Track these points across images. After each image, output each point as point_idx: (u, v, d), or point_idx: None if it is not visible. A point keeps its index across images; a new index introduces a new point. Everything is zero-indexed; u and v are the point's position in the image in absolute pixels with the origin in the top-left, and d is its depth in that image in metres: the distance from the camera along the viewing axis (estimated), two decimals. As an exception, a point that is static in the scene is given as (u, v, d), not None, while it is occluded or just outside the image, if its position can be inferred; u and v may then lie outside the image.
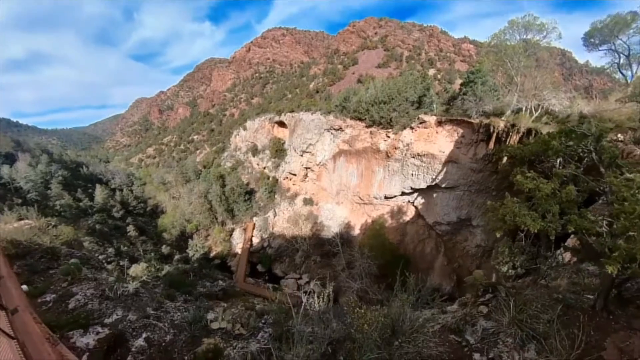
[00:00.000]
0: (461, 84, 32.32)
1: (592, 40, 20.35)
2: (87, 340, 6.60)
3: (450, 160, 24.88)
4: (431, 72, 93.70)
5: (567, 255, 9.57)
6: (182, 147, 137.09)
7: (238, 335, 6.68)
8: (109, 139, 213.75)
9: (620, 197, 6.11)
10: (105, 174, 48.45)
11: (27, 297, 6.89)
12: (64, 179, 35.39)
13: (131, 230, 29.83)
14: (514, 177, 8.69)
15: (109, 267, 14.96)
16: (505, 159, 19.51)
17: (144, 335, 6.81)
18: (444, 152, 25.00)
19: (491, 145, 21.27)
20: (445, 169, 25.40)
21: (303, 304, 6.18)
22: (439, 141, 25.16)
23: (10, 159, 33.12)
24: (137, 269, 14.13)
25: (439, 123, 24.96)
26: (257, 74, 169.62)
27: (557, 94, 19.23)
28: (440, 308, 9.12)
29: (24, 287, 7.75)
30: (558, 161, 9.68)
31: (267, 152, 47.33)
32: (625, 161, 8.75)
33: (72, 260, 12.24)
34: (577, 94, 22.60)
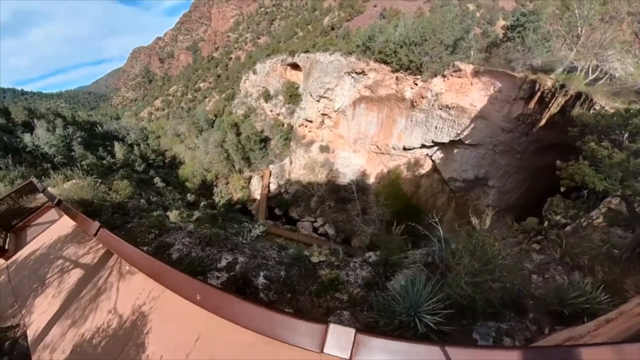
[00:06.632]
0: (506, 27, 28.11)
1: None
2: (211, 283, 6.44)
3: (480, 116, 23.23)
4: (470, 7, 79.87)
5: (600, 219, 10.69)
6: (189, 96, 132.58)
7: (336, 265, 7.54)
8: (115, 96, 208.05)
9: None
10: (120, 130, 48.61)
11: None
12: (82, 139, 36.04)
13: (158, 182, 31.26)
14: (585, 144, 9.79)
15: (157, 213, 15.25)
16: (543, 121, 18.20)
17: (262, 274, 7.19)
18: (475, 107, 23.14)
19: (531, 105, 19.29)
20: (472, 125, 23.98)
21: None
22: (472, 94, 23.05)
23: (29, 127, 33.37)
24: (171, 216, 14.89)
25: (476, 73, 22.46)
26: (262, 9, 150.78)
27: (623, 56, 16.30)
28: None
29: None
30: (625, 135, 10.34)
31: (281, 97, 45.11)
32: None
33: (157, 213, 12.02)
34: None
